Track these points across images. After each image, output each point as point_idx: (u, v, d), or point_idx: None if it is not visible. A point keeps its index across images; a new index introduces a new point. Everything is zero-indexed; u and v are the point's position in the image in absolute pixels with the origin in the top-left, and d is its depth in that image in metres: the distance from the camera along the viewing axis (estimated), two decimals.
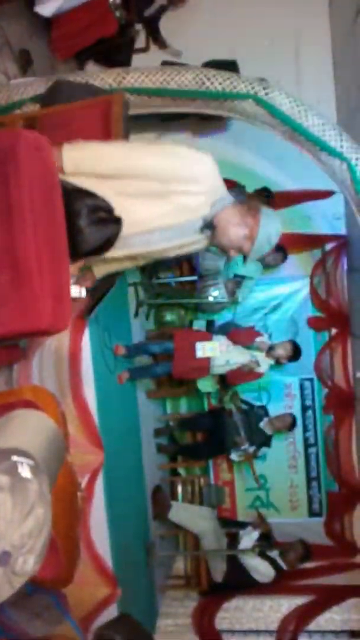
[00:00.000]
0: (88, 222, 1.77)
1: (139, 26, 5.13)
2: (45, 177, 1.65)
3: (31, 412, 1.25)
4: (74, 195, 1.86)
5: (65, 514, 1.50)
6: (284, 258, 4.70)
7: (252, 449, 4.73)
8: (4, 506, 0.93)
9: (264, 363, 4.42)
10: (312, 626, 4.50)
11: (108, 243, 1.79)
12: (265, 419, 4.79)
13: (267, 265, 4.75)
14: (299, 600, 4.63)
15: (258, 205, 2.04)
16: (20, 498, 0.95)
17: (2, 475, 0.95)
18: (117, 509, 3.63)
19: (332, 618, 4.51)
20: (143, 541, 4.47)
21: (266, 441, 4.78)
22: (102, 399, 3.57)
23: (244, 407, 4.91)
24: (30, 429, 1.14)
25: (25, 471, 0.97)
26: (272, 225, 2.02)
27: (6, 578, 0.92)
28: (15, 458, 0.97)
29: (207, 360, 4.33)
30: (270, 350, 4.38)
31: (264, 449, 4.85)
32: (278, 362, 4.48)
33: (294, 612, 4.58)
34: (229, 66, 4.43)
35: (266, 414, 4.87)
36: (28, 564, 0.94)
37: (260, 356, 4.39)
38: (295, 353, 4.39)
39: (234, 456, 4.83)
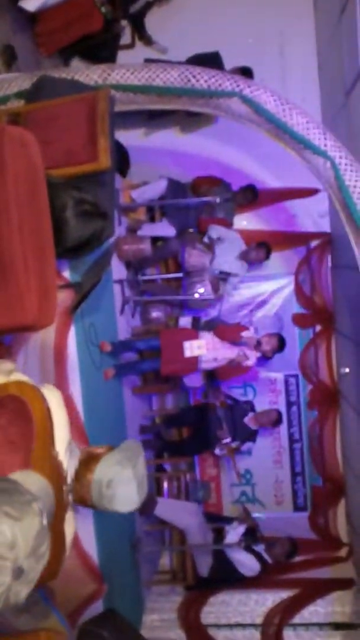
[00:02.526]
0: (74, 213, 1.78)
1: (124, 22, 5.12)
2: (31, 173, 1.66)
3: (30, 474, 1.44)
4: (60, 188, 1.87)
5: None
6: (267, 254, 4.72)
7: (234, 444, 4.75)
8: (33, 530, 1.16)
9: (252, 357, 4.45)
10: (296, 619, 4.54)
11: (93, 238, 1.80)
12: (250, 414, 4.82)
13: (250, 262, 4.77)
14: (284, 594, 4.68)
15: (100, 456, 1.69)
16: (42, 533, 1.19)
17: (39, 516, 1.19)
18: None
19: (317, 611, 4.56)
20: (129, 537, 4.49)
21: (250, 436, 4.81)
22: (88, 395, 3.57)
23: (229, 402, 4.94)
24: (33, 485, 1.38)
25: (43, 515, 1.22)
26: (109, 470, 1.64)
27: (14, 588, 1.13)
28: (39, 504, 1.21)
29: (196, 358, 4.35)
30: (257, 345, 4.41)
31: (248, 444, 4.87)
32: (265, 356, 4.51)
33: (279, 605, 4.63)
34: (212, 59, 4.45)
35: (252, 409, 4.89)
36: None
37: (248, 350, 4.41)
38: (281, 346, 4.43)
39: (217, 450, 4.85)
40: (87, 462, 1.63)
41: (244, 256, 4.74)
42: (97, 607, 3.51)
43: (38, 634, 1.73)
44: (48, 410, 1.60)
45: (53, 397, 1.60)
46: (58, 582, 1.86)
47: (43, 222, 1.62)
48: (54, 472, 1.56)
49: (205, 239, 4.80)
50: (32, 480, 1.40)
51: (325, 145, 3.17)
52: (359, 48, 3.70)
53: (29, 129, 2.20)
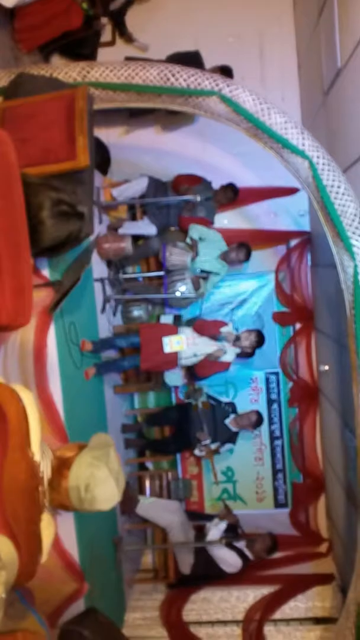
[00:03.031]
0: (50, 214, 1.76)
1: (104, 20, 5.10)
2: (4, 171, 1.64)
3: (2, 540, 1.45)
4: (37, 188, 1.85)
5: (25, 508, 1.50)
6: (247, 255, 4.74)
7: (214, 445, 4.76)
8: None
9: (231, 352, 4.46)
10: (277, 615, 4.58)
11: (70, 239, 1.79)
12: (232, 416, 4.83)
13: (230, 262, 4.79)
14: (265, 590, 4.71)
15: (70, 460, 1.63)
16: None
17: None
18: None
19: (297, 606, 4.60)
20: (111, 536, 4.48)
21: (231, 438, 4.82)
22: (68, 395, 3.56)
23: (212, 402, 4.95)
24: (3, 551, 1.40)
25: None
26: (83, 474, 1.59)
27: None
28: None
29: (175, 354, 4.35)
30: (236, 340, 4.42)
31: (228, 446, 4.88)
32: (244, 353, 4.52)
33: (260, 601, 4.66)
34: (192, 57, 4.46)
35: (233, 410, 4.91)
36: None
37: (227, 345, 4.43)
38: (260, 342, 4.44)
39: (197, 451, 4.87)
40: (59, 468, 1.61)
41: (224, 257, 4.76)
42: (78, 606, 3.51)
43: (15, 635, 1.72)
44: (24, 411, 1.59)
45: (26, 397, 1.59)
46: (38, 581, 1.86)
47: (17, 220, 1.60)
48: (30, 472, 1.55)
49: (188, 240, 4.81)
50: (2, 546, 1.39)
51: (303, 145, 3.19)
52: (337, 48, 3.73)
53: (6, 126, 2.19)
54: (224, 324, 4.48)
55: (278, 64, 5.23)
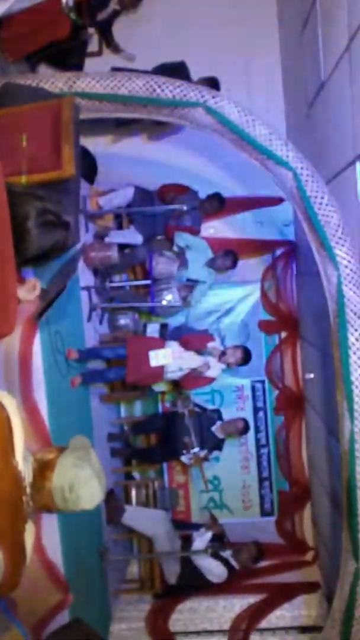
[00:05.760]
0: (35, 224, 1.76)
1: (91, 30, 5.13)
2: None
3: None
4: (22, 198, 1.85)
5: (10, 519, 1.49)
6: (234, 262, 4.78)
7: (202, 453, 4.77)
8: None
9: (216, 367, 4.49)
10: (263, 624, 4.58)
11: (55, 248, 1.79)
12: (218, 423, 4.84)
13: (217, 269, 4.82)
14: (252, 599, 4.71)
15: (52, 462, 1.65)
16: None
17: None
18: (69, 514, 3.60)
19: (283, 615, 4.60)
20: (96, 546, 4.45)
21: (218, 445, 4.83)
22: (54, 403, 3.54)
23: (197, 410, 4.96)
24: None
25: None
26: (67, 474, 1.61)
27: None
28: None
29: (161, 367, 4.36)
30: (222, 356, 4.45)
31: (215, 453, 4.89)
32: (229, 367, 4.56)
33: (246, 611, 4.65)
34: (179, 68, 4.50)
35: (219, 417, 4.92)
36: None
37: (213, 361, 4.45)
38: (246, 358, 4.47)
39: (184, 459, 4.86)
40: (42, 470, 1.61)
41: (211, 264, 4.79)
42: (63, 618, 3.48)
43: None
44: (7, 419, 1.58)
45: (9, 404, 1.59)
46: (22, 592, 1.84)
47: (2, 229, 1.61)
48: (14, 483, 1.54)
49: (175, 248, 4.84)
50: None
51: (287, 156, 3.24)
52: (321, 61, 3.80)
53: None
54: (211, 339, 4.50)
55: (264, 75, 5.29)
